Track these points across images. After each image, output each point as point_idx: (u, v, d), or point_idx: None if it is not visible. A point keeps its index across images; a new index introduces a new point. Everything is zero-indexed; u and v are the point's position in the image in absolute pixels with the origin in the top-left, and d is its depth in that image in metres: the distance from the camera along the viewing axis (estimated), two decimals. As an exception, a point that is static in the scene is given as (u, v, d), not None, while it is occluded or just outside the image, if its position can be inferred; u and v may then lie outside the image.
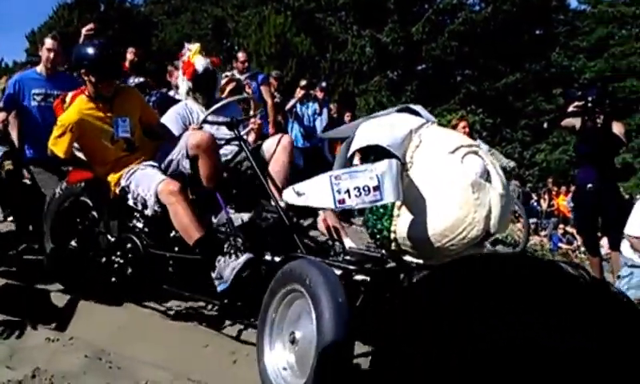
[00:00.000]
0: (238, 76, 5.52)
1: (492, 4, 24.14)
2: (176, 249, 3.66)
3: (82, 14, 22.19)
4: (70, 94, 4.02)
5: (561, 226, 13.98)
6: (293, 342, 2.74)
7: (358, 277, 2.96)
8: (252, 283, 3.23)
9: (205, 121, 3.78)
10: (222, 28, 26.19)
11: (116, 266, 3.83)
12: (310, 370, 2.48)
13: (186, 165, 3.74)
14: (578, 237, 11.06)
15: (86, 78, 3.86)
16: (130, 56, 6.41)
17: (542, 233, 13.64)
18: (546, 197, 15.43)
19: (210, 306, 4.00)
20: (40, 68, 4.95)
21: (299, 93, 8.48)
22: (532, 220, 12.83)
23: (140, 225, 3.83)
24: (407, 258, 2.97)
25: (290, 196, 2.88)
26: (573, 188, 10.07)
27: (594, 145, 5.72)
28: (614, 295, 0.48)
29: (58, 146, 3.81)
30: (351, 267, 2.95)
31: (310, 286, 2.57)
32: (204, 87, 4.06)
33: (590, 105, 5.77)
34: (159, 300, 4.07)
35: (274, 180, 3.64)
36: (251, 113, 4.84)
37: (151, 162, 3.82)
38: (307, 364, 2.57)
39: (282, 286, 2.80)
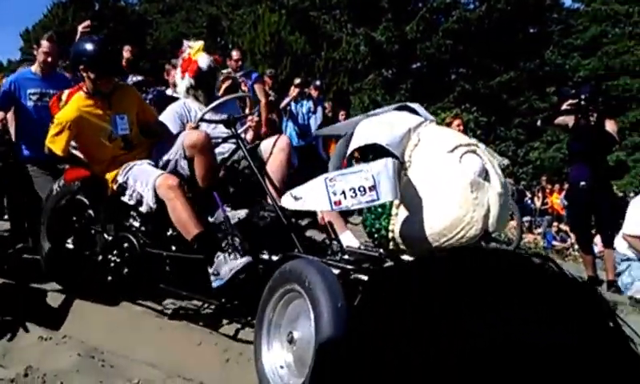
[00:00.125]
0: (233, 74, 5.51)
1: (486, 3, 24.21)
2: (173, 248, 3.64)
3: (76, 12, 22.15)
4: (66, 92, 3.99)
5: (555, 223, 14.04)
6: (291, 341, 2.74)
7: (356, 276, 2.96)
8: (248, 283, 3.23)
9: (202, 119, 3.77)
10: (217, 26, 26.17)
11: (112, 265, 3.82)
12: (309, 370, 2.49)
13: (184, 165, 3.72)
14: (571, 234, 11.11)
15: (84, 75, 3.80)
16: (126, 54, 6.42)
17: (536, 231, 13.69)
18: (540, 195, 15.49)
19: (205, 305, 3.99)
20: (35, 68, 4.94)
21: (293, 91, 8.48)
22: (526, 218, 12.89)
23: (136, 224, 3.81)
24: (405, 257, 2.98)
25: (287, 201, 2.88)
26: (566, 186, 10.11)
27: (587, 143, 5.75)
28: (579, 285, 0.48)
29: (55, 143, 3.76)
30: (349, 267, 2.96)
31: (308, 286, 2.56)
32: (206, 85, 4.04)
33: (583, 103, 5.80)
34: (153, 298, 4.06)
35: (272, 179, 3.63)
36: (247, 111, 4.83)
37: (148, 160, 3.80)
38: (305, 364, 2.57)
39: (279, 285, 2.80)
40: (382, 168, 2.65)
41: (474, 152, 2.88)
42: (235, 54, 7.69)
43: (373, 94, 22.56)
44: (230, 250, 3.28)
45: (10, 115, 5.00)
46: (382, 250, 3.08)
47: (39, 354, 3.30)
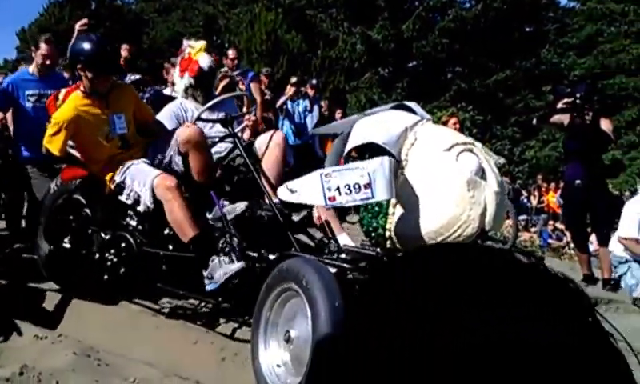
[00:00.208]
0: (230, 73, 5.51)
1: (482, 1, 24.22)
2: (170, 247, 3.64)
3: (72, 11, 22.09)
4: (63, 91, 3.98)
5: (550, 222, 14.05)
6: (288, 340, 2.74)
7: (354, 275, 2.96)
8: (244, 285, 3.23)
9: (199, 118, 3.76)
10: (213, 25, 26.11)
11: (109, 264, 3.81)
12: (306, 369, 2.49)
13: (178, 161, 3.72)
14: (567, 233, 11.13)
15: (82, 74, 3.76)
16: (124, 53, 6.42)
17: (532, 229, 13.71)
18: (536, 193, 15.50)
19: (202, 304, 3.99)
20: (33, 69, 4.94)
21: (290, 90, 8.48)
22: (522, 216, 12.90)
23: (134, 223, 3.81)
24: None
25: (283, 193, 2.89)
26: (562, 184, 10.13)
27: (582, 141, 5.76)
28: (561, 281, 0.48)
29: (53, 143, 3.73)
30: (346, 265, 2.96)
31: (305, 285, 2.57)
32: (205, 86, 4.04)
33: (578, 102, 5.81)
34: (150, 298, 4.06)
35: (268, 176, 3.63)
36: (244, 109, 4.83)
37: (144, 159, 3.80)
38: (302, 363, 2.57)
39: (277, 284, 2.80)
40: (378, 166, 2.66)
41: (470, 151, 2.89)
42: (231, 52, 7.69)
43: (369, 92, 22.57)
44: (226, 252, 3.28)
45: (9, 114, 5.00)
46: (379, 249, 3.08)
47: (35, 352, 3.29)
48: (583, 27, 25.39)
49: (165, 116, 4.00)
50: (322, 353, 2.28)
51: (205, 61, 3.98)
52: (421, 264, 0.50)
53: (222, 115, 3.74)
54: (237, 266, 3.21)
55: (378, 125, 2.95)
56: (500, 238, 8.36)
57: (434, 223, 2.77)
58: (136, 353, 3.40)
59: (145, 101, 4.32)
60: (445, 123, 7.02)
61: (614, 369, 0.44)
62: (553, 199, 14.58)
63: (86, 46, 3.76)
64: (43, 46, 4.89)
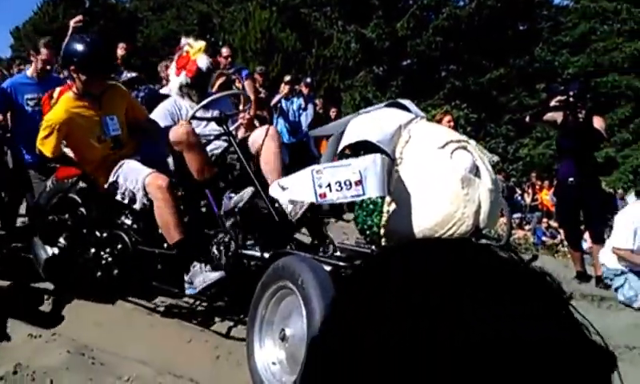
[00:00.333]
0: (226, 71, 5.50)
1: (476, 0, 24.24)
2: (165, 245, 3.64)
3: (66, 9, 21.98)
4: (57, 90, 3.94)
5: (544, 219, 14.09)
6: (283, 338, 2.75)
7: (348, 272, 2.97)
8: (237, 285, 3.28)
9: (193, 117, 3.76)
10: (208, 24, 26.04)
11: (104, 262, 3.81)
12: (301, 367, 2.49)
13: (169, 161, 3.74)
14: (561, 230, 11.17)
15: (74, 76, 3.67)
16: (120, 51, 6.43)
17: (526, 227, 13.75)
18: (530, 191, 15.55)
19: (197, 303, 3.99)
20: (31, 72, 4.93)
21: (284, 88, 8.47)
22: (516, 214, 12.93)
23: (128, 221, 3.80)
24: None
25: (274, 190, 2.89)
26: (556, 182, 10.15)
27: (575, 139, 5.77)
28: (535, 273, 0.48)
29: (45, 146, 3.68)
30: (341, 263, 2.97)
31: (300, 283, 2.57)
32: (201, 86, 4.02)
33: (571, 99, 5.81)
34: (145, 296, 4.05)
35: (268, 169, 3.61)
36: (240, 107, 4.83)
37: (137, 157, 3.79)
38: (297, 361, 2.58)
39: (272, 282, 2.81)
40: (370, 164, 2.66)
41: (464, 148, 2.90)
42: (225, 50, 7.68)
43: (364, 91, 22.54)
44: (210, 258, 3.34)
45: (9, 115, 4.99)
46: (374, 247, 3.09)
47: (29, 351, 3.29)
48: (577, 25, 25.45)
49: (159, 114, 3.98)
50: (317, 351, 2.29)
51: (203, 62, 3.96)
52: (417, 259, 0.50)
53: (216, 113, 3.74)
54: (215, 275, 3.29)
55: (372, 123, 2.95)
56: (494, 236, 8.39)
57: (428, 221, 2.78)
58: (130, 351, 3.39)
59: (139, 100, 4.29)
60: (439, 121, 7.01)
61: (591, 360, 0.44)
62: (546, 197, 14.62)
63: (80, 47, 3.66)
64: (44, 51, 4.86)
